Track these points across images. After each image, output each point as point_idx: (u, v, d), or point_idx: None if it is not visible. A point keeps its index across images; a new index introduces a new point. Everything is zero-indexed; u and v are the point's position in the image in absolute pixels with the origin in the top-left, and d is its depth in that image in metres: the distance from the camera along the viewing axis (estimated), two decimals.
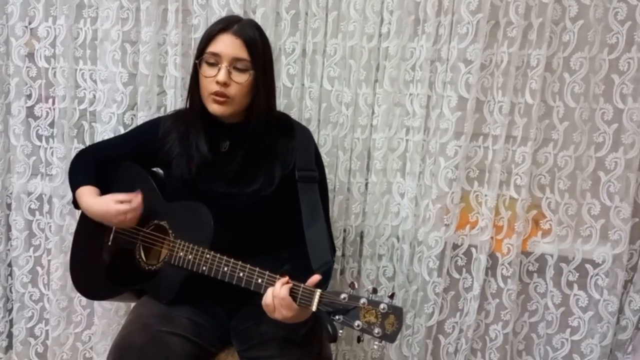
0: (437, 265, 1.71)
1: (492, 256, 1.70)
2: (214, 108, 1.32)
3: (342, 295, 1.13)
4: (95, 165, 1.48)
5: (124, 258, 1.43)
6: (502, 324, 1.71)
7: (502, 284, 1.69)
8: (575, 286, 1.67)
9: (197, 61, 1.34)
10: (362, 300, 1.11)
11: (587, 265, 1.65)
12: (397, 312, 1.10)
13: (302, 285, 1.16)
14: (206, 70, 1.32)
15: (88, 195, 1.41)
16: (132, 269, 1.41)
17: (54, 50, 1.82)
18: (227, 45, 1.30)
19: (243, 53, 1.30)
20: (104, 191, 1.43)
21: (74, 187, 1.45)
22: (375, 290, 1.14)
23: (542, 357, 1.74)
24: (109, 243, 1.45)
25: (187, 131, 1.40)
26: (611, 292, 1.62)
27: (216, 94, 1.30)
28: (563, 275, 1.67)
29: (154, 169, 1.53)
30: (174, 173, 1.40)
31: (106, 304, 1.90)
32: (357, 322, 1.11)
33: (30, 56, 1.85)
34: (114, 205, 1.35)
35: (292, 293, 1.16)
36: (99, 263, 1.47)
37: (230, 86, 1.30)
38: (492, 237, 1.68)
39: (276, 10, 1.69)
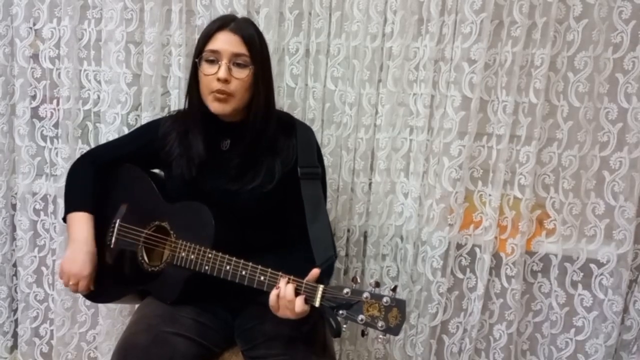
0: (441, 265, 1.71)
1: (496, 256, 1.70)
2: (215, 107, 1.33)
3: (345, 290, 1.13)
4: (93, 177, 1.47)
5: (126, 260, 1.43)
6: (506, 324, 1.71)
7: (506, 284, 1.69)
8: (580, 286, 1.67)
9: (196, 60, 1.34)
10: (365, 294, 1.12)
11: (592, 265, 1.64)
12: (400, 305, 1.11)
13: (304, 281, 1.17)
14: (206, 69, 1.32)
15: (77, 226, 1.42)
16: (135, 270, 1.41)
17: (59, 51, 1.83)
18: (226, 42, 1.31)
19: (242, 49, 1.31)
20: (104, 194, 1.44)
21: (68, 207, 1.45)
22: (378, 284, 1.14)
23: (547, 357, 1.74)
24: (111, 245, 1.45)
25: (187, 131, 1.40)
26: (616, 291, 1.62)
27: (217, 91, 1.30)
28: (567, 275, 1.67)
29: (155, 171, 1.54)
30: (175, 173, 1.40)
31: (110, 304, 1.90)
32: (360, 316, 1.11)
33: (35, 57, 1.86)
34: (74, 270, 1.38)
35: (296, 290, 1.16)
36: (102, 266, 1.47)
37: (231, 82, 1.30)
38: (496, 237, 1.68)
39: (279, 10, 1.69)
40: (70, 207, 1.44)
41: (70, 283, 1.39)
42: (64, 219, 1.45)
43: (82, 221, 1.42)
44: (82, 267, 1.38)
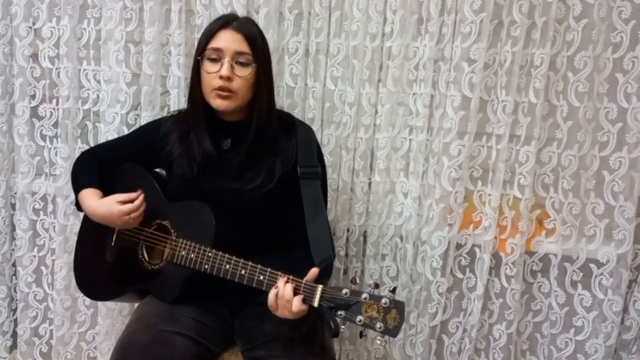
0: (441, 265, 1.71)
1: (495, 256, 1.70)
2: (217, 103, 1.33)
3: (344, 291, 1.13)
4: (97, 167, 1.49)
5: (127, 258, 1.43)
6: (506, 324, 1.71)
7: (505, 284, 1.69)
8: (580, 286, 1.67)
9: (199, 58, 1.34)
10: (364, 295, 1.12)
11: (591, 265, 1.64)
12: (399, 306, 1.11)
13: (303, 281, 1.17)
14: (208, 67, 1.33)
15: (90, 197, 1.41)
16: (135, 269, 1.42)
17: (58, 50, 1.83)
18: (228, 40, 1.32)
19: (244, 47, 1.32)
20: (106, 193, 1.44)
21: (77, 189, 1.45)
22: (377, 285, 1.14)
23: (546, 357, 1.74)
24: (112, 243, 1.45)
25: (188, 131, 1.41)
26: (615, 291, 1.62)
27: (220, 89, 1.31)
28: (567, 274, 1.67)
29: (156, 170, 1.54)
30: (176, 173, 1.40)
31: (110, 303, 1.90)
32: (359, 317, 1.11)
33: (34, 57, 1.86)
34: (117, 206, 1.36)
35: (294, 289, 1.16)
36: (102, 264, 1.47)
37: (233, 80, 1.31)
38: (495, 237, 1.68)
39: (279, 10, 1.69)
40: (79, 188, 1.45)
41: (132, 216, 1.36)
42: (77, 206, 1.46)
43: (94, 193, 1.42)
44: (119, 206, 1.36)
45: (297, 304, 1.15)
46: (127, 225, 1.39)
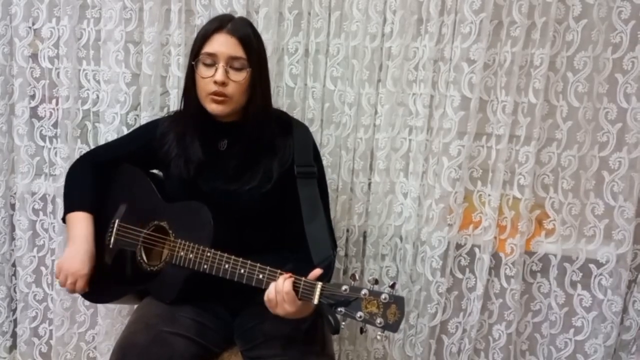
0: (441, 265, 1.71)
1: (495, 256, 1.70)
2: (212, 107, 1.33)
3: (344, 287, 1.13)
4: (92, 176, 1.48)
5: (126, 260, 1.43)
6: (506, 324, 1.70)
7: (505, 284, 1.69)
8: (579, 286, 1.67)
9: (193, 62, 1.34)
10: (364, 291, 1.12)
11: (591, 265, 1.64)
12: (398, 302, 1.11)
13: (303, 278, 1.17)
14: (203, 71, 1.32)
15: (74, 226, 1.42)
16: (134, 270, 1.41)
17: (58, 50, 1.83)
18: (223, 44, 1.31)
19: (239, 52, 1.31)
20: (103, 195, 1.44)
21: (67, 207, 1.45)
22: (376, 281, 1.14)
23: (546, 357, 1.74)
24: (110, 245, 1.45)
25: (184, 132, 1.40)
26: (615, 292, 1.62)
27: (215, 93, 1.31)
28: (567, 275, 1.67)
29: (153, 171, 1.54)
30: (173, 173, 1.40)
31: (109, 304, 1.90)
32: (359, 313, 1.11)
33: (34, 57, 1.86)
34: (79, 266, 1.37)
35: (294, 287, 1.16)
36: (101, 265, 1.47)
37: (228, 85, 1.31)
38: (495, 237, 1.68)
39: (279, 10, 1.69)
40: (69, 207, 1.44)
41: (68, 282, 1.39)
42: (64, 220, 1.45)
43: (81, 220, 1.42)
44: (81, 265, 1.38)
45: (287, 284, 1.16)
46: (62, 282, 1.40)
